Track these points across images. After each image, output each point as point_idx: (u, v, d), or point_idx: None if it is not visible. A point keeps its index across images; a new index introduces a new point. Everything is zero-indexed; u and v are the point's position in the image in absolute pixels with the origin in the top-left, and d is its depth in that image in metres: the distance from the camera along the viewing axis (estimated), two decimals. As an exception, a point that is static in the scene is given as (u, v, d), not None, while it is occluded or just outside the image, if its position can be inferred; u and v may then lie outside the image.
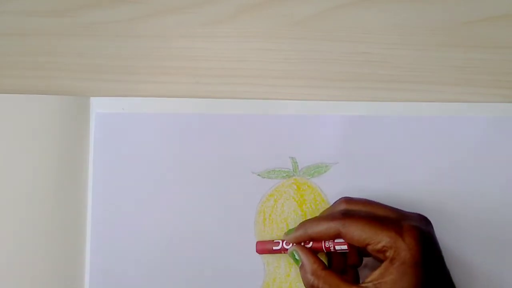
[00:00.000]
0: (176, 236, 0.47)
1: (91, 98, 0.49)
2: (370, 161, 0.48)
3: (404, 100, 0.49)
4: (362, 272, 0.45)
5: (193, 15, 0.50)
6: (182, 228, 0.47)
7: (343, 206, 0.43)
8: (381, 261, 0.41)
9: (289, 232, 0.45)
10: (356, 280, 0.44)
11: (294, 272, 0.47)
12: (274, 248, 0.46)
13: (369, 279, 0.41)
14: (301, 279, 0.47)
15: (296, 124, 0.48)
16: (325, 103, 0.49)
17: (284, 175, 0.48)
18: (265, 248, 0.46)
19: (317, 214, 0.47)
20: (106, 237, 0.47)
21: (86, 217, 0.47)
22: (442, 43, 0.50)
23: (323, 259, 0.44)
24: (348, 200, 0.44)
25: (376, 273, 0.41)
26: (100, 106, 0.48)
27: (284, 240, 0.45)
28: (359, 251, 0.44)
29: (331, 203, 0.47)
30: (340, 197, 0.44)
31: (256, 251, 0.47)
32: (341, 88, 0.49)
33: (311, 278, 0.43)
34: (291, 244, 0.45)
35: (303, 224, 0.44)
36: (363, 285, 0.41)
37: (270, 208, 0.48)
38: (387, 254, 0.40)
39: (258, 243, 0.47)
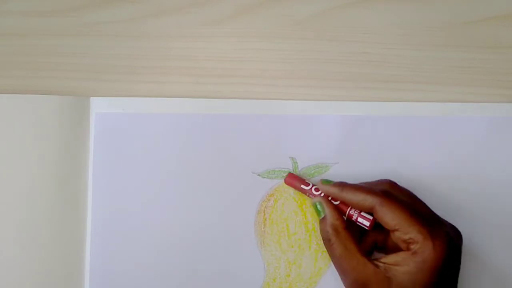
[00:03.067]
0: (176, 236, 0.47)
1: (91, 98, 0.49)
2: (370, 161, 0.48)
3: (404, 100, 0.49)
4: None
5: (193, 15, 0.50)
6: (182, 228, 0.47)
7: (385, 187, 0.44)
8: (398, 250, 0.41)
9: (326, 182, 0.45)
10: None
11: (294, 272, 0.47)
12: (302, 186, 0.46)
13: (383, 259, 0.41)
14: (301, 279, 0.47)
15: (296, 124, 0.48)
16: (325, 103, 0.49)
17: (284, 175, 0.48)
18: (293, 182, 0.46)
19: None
20: (106, 237, 0.47)
21: (86, 217, 0.47)
22: (442, 43, 0.50)
23: None
24: (392, 183, 0.44)
25: (393, 257, 0.41)
26: (100, 106, 0.48)
27: (314, 186, 0.45)
28: (374, 241, 0.44)
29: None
30: (386, 178, 0.45)
31: (284, 181, 0.47)
32: (341, 88, 0.49)
33: (330, 231, 0.43)
34: (319, 192, 0.45)
35: (342, 184, 0.44)
36: (375, 262, 0.41)
37: (270, 208, 0.48)
38: (412, 246, 0.40)
39: (289, 174, 0.47)
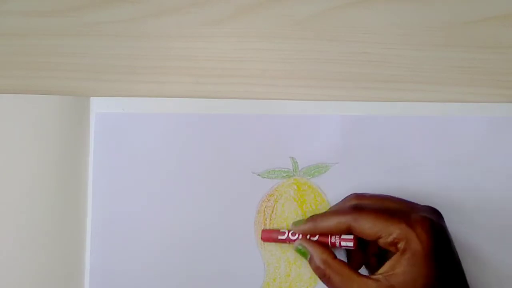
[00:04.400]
0: (176, 236, 0.47)
1: (91, 98, 0.49)
2: (370, 161, 0.48)
3: (404, 100, 0.49)
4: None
5: (193, 15, 0.50)
6: (182, 228, 0.47)
7: (353, 202, 0.44)
8: (392, 254, 0.41)
9: (297, 223, 0.45)
10: None
11: (294, 272, 0.47)
12: (280, 237, 0.46)
13: (380, 271, 0.41)
14: (301, 279, 0.47)
15: (296, 124, 0.48)
16: (325, 103, 0.49)
17: (284, 175, 0.48)
18: (270, 236, 0.46)
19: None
20: (106, 237, 0.47)
21: (86, 217, 0.47)
22: (442, 43, 0.50)
23: None
24: (358, 195, 0.44)
25: (387, 265, 0.41)
26: (100, 106, 0.48)
27: (290, 231, 0.45)
28: (364, 251, 0.44)
29: (331, 203, 0.47)
30: (350, 194, 0.45)
31: (261, 239, 0.47)
32: (341, 88, 0.49)
33: (322, 267, 0.43)
34: (297, 235, 0.45)
35: (313, 218, 0.44)
36: (374, 277, 0.41)
37: (270, 208, 0.48)
38: (399, 246, 0.40)
39: (263, 231, 0.47)
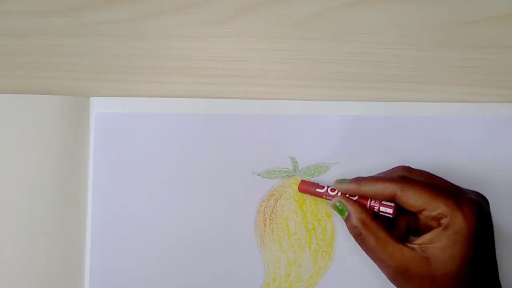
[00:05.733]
0: (176, 236, 0.47)
1: (91, 98, 0.49)
2: (370, 161, 0.48)
3: (404, 100, 0.49)
4: None
5: (193, 15, 0.50)
6: (182, 228, 0.47)
7: (401, 172, 0.43)
8: (431, 229, 0.41)
9: (341, 181, 0.44)
10: None
11: (294, 272, 0.47)
12: (318, 190, 0.46)
13: (417, 241, 0.41)
14: (301, 279, 0.47)
15: (296, 124, 0.48)
16: (325, 103, 0.49)
17: (284, 175, 0.48)
18: (308, 188, 0.46)
19: (317, 214, 0.47)
20: (106, 237, 0.47)
21: (86, 217, 0.47)
22: (442, 43, 0.50)
23: None
24: (406, 168, 0.44)
25: (426, 236, 0.41)
26: (100, 106, 0.48)
27: (330, 187, 0.45)
28: (407, 226, 0.44)
29: (331, 203, 0.47)
30: (399, 165, 0.44)
31: (299, 190, 0.47)
32: (341, 88, 0.49)
33: (359, 226, 0.42)
34: (336, 192, 0.45)
35: (357, 179, 0.44)
36: (410, 245, 0.41)
37: (270, 208, 0.48)
38: (442, 221, 0.40)
39: (302, 181, 0.47)
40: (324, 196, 0.45)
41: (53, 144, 0.47)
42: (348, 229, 0.44)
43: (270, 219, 0.48)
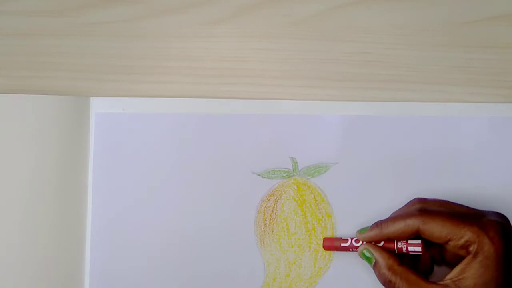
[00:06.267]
0: (176, 236, 0.47)
1: (91, 98, 0.49)
2: (370, 161, 0.48)
3: (404, 100, 0.49)
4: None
5: (193, 15, 0.50)
6: (182, 228, 0.47)
7: (417, 205, 0.43)
8: (458, 259, 0.41)
9: (363, 231, 0.44)
10: None
11: (294, 272, 0.47)
12: (343, 245, 0.45)
13: (448, 276, 0.41)
14: (301, 279, 0.47)
15: (296, 124, 0.48)
16: (325, 103, 0.49)
17: (284, 175, 0.48)
18: (332, 244, 0.46)
19: (317, 214, 0.47)
20: (106, 237, 0.47)
21: (86, 217, 0.47)
22: (442, 43, 0.50)
23: None
24: (421, 200, 0.44)
25: (457, 269, 0.40)
26: (100, 106, 0.48)
27: (353, 238, 0.45)
28: (431, 257, 0.44)
29: (331, 203, 0.47)
30: (413, 199, 0.44)
31: (323, 247, 0.47)
32: (341, 88, 0.49)
33: (388, 273, 0.42)
34: (360, 242, 0.44)
35: (377, 224, 0.44)
36: (442, 282, 0.41)
37: (270, 208, 0.48)
38: (470, 249, 0.40)
39: (325, 239, 0.47)
40: (351, 249, 0.45)
41: (53, 144, 0.47)
42: (377, 276, 0.43)
43: (270, 219, 0.48)
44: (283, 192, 0.48)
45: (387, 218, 0.44)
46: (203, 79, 0.49)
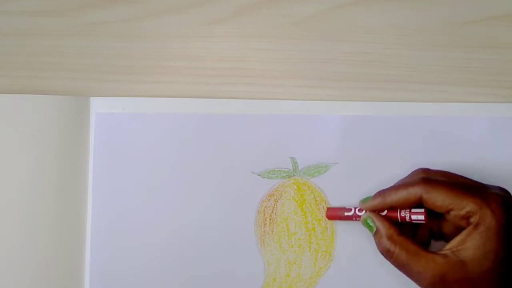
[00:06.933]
0: (176, 236, 0.47)
1: (91, 98, 0.49)
2: (370, 161, 0.48)
3: (404, 100, 0.49)
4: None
5: (193, 15, 0.50)
6: (182, 228, 0.47)
7: (421, 175, 0.43)
8: (458, 230, 0.41)
9: (366, 200, 0.44)
10: None
11: (294, 272, 0.47)
12: (346, 214, 0.45)
13: (448, 246, 0.41)
14: (301, 279, 0.47)
15: (296, 124, 0.48)
16: (325, 103, 0.49)
17: (284, 175, 0.48)
18: (336, 214, 0.46)
19: (317, 214, 0.47)
20: (106, 237, 0.47)
21: (86, 217, 0.47)
22: (442, 43, 0.50)
23: None
24: (425, 170, 0.44)
25: (456, 239, 0.41)
26: (100, 106, 0.48)
27: (356, 207, 0.45)
28: (429, 230, 0.44)
29: (331, 203, 0.47)
30: (417, 168, 0.44)
31: (326, 217, 0.47)
32: (341, 88, 0.49)
33: (387, 243, 0.42)
34: (364, 211, 0.44)
35: (381, 192, 0.44)
36: (441, 252, 0.41)
37: (270, 208, 0.48)
38: (471, 220, 0.40)
39: (328, 209, 0.47)
40: (354, 218, 0.45)
41: (53, 144, 0.47)
42: (376, 245, 0.43)
43: (270, 219, 0.48)
44: (283, 192, 0.48)
45: (390, 187, 0.44)
46: (203, 79, 0.49)
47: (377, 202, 0.44)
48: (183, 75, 0.50)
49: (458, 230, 0.41)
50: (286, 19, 0.50)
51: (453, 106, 0.49)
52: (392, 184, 0.46)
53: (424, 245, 0.44)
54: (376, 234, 0.43)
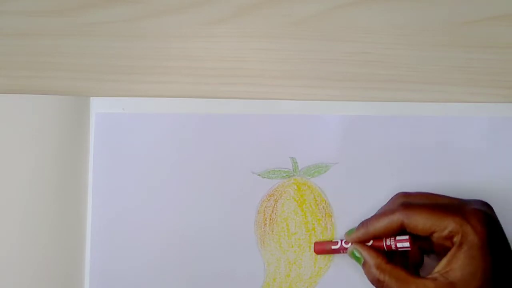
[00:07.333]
0: (176, 236, 0.47)
1: (91, 98, 0.49)
2: (370, 161, 0.48)
3: (404, 100, 0.49)
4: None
5: (193, 15, 0.50)
6: (182, 228, 0.47)
7: (400, 200, 0.43)
8: (446, 249, 0.41)
9: (350, 232, 0.45)
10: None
11: (294, 272, 0.47)
12: (333, 247, 0.46)
13: (436, 269, 0.41)
14: (301, 279, 0.47)
15: (296, 124, 0.48)
16: (325, 103, 0.49)
17: (284, 175, 0.48)
18: (323, 248, 0.46)
19: (317, 214, 0.47)
20: (106, 237, 0.47)
21: (86, 217, 0.47)
22: (442, 43, 0.50)
23: None
24: (404, 194, 0.44)
25: (443, 262, 0.40)
26: (100, 106, 0.48)
27: (342, 240, 0.45)
28: (420, 249, 0.44)
29: (331, 203, 0.47)
30: (396, 193, 0.44)
31: (314, 251, 0.47)
32: (341, 88, 0.49)
33: (376, 272, 0.42)
34: (350, 244, 0.45)
35: (364, 223, 0.44)
36: (431, 276, 0.41)
37: (270, 208, 0.48)
38: (454, 239, 0.40)
39: (316, 243, 0.47)
40: (341, 251, 0.45)
41: (53, 144, 0.47)
42: (366, 275, 0.43)
43: (270, 219, 0.48)
44: (283, 192, 0.48)
45: (372, 216, 0.44)
46: (203, 79, 0.49)
47: (360, 233, 0.44)
48: (183, 75, 0.50)
49: (446, 248, 0.41)
50: (286, 19, 0.50)
51: (453, 106, 0.49)
52: (382, 196, 0.46)
53: (418, 264, 0.44)
54: (364, 265, 0.43)
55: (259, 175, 0.48)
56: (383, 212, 0.43)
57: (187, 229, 0.47)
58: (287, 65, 0.50)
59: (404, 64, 0.50)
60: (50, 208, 0.47)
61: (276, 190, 0.48)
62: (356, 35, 0.50)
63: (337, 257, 0.47)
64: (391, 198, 0.45)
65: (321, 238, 0.47)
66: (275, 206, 0.48)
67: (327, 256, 0.47)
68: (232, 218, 0.48)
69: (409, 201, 0.43)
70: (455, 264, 0.40)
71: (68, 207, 0.47)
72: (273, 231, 0.48)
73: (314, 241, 0.47)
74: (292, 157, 0.48)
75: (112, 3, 0.50)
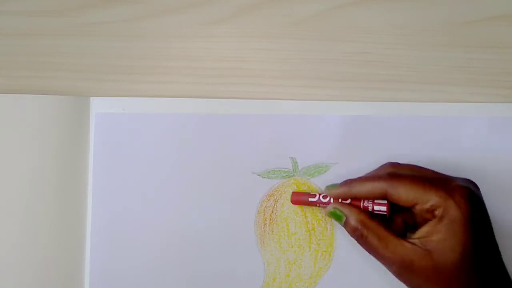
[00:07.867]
0: (176, 236, 0.47)
1: (91, 98, 0.49)
2: (370, 161, 0.48)
3: (404, 100, 0.49)
4: None
5: (193, 15, 0.50)
6: (182, 228, 0.47)
7: (389, 169, 0.44)
8: (427, 222, 0.41)
9: (331, 187, 0.45)
10: None
11: (294, 272, 0.47)
12: (310, 199, 0.46)
13: (416, 235, 0.41)
14: (301, 279, 0.47)
15: (296, 124, 0.48)
16: (325, 103, 0.49)
17: (284, 175, 0.48)
18: (300, 198, 0.46)
19: (317, 214, 0.47)
20: (106, 237, 0.47)
21: (86, 217, 0.47)
22: (442, 43, 0.50)
23: None
24: (393, 164, 0.44)
25: (424, 230, 0.41)
26: (100, 106, 0.48)
27: (321, 194, 0.45)
28: (403, 220, 0.44)
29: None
30: (386, 162, 0.45)
31: (291, 201, 0.47)
32: (341, 88, 0.49)
33: (359, 227, 0.42)
34: (328, 198, 0.45)
35: (348, 181, 0.44)
36: (410, 240, 0.41)
37: (270, 208, 0.48)
38: (436, 213, 0.40)
39: (293, 193, 0.47)
40: (318, 204, 0.45)
41: (53, 144, 0.47)
42: (349, 232, 0.44)
43: (270, 219, 0.48)
44: (283, 192, 0.48)
45: (357, 177, 0.44)
46: (203, 79, 0.49)
47: (342, 191, 0.44)
48: (183, 75, 0.50)
49: (427, 222, 0.41)
50: (286, 19, 0.50)
51: (453, 106, 0.49)
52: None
53: (399, 233, 0.44)
54: (346, 222, 0.43)
55: (259, 175, 0.48)
56: (369, 177, 0.44)
57: (187, 229, 0.47)
58: (287, 65, 0.50)
59: (404, 64, 0.50)
60: (50, 208, 0.47)
61: (276, 190, 0.48)
62: (356, 35, 0.50)
63: (337, 257, 0.47)
64: (380, 166, 0.45)
65: (321, 238, 0.47)
66: (275, 206, 0.48)
67: (327, 256, 0.47)
68: (232, 218, 0.48)
69: (396, 172, 0.43)
70: (435, 236, 0.40)
71: (68, 207, 0.47)
72: (273, 231, 0.48)
73: (292, 191, 0.47)
74: (292, 157, 0.48)
75: (112, 3, 0.50)
